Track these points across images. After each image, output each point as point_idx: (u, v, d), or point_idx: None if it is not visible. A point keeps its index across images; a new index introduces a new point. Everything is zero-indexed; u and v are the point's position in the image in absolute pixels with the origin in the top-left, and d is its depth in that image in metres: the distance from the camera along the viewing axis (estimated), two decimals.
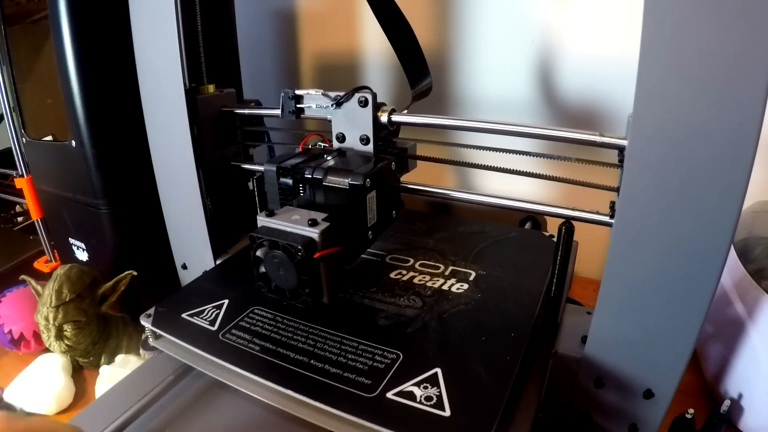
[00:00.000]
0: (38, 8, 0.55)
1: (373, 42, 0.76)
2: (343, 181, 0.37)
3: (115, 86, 0.51)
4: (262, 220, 0.37)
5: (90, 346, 0.52)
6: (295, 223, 0.35)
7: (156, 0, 0.43)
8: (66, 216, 0.59)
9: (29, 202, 0.63)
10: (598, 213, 0.35)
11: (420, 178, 0.44)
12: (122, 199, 0.54)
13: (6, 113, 0.60)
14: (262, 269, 0.37)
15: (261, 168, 0.45)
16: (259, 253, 0.36)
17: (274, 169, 0.40)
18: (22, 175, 0.62)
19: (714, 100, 0.27)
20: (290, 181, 0.39)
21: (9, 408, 0.47)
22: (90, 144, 0.51)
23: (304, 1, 0.80)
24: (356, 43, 0.77)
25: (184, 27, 0.44)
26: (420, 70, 0.50)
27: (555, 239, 0.37)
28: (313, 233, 0.35)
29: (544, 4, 0.63)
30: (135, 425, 0.33)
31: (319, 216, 0.36)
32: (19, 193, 0.64)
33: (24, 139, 0.60)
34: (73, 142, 0.51)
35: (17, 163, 0.62)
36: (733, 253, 0.49)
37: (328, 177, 0.37)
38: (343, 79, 0.81)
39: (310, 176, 0.38)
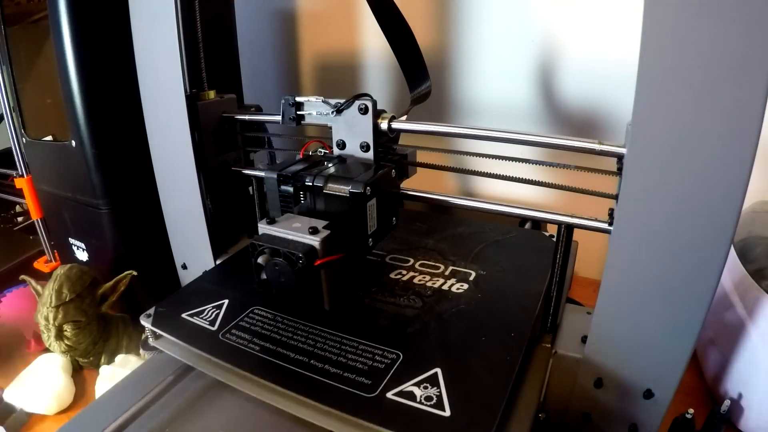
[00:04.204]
0: (38, 8, 0.55)
1: (373, 42, 0.76)
2: (343, 189, 0.37)
3: (115, 86, 0.51)
4: (264, 228, 0.37)
5: (90, 346, 0.52)
6: (296, 231, 0.36)
7: (156, 5, 0.43)
8: (66, 216, 0.59)
9: (29, 202, 0.63)
10: (596, 220, 0.35)
11: (420, 181, 0.44)
12: (122, 199, 0.54)
13: (6, 113, 0.60)
14: (264, 276, 0.37)
15: (262, 174, 0.45)
16: (260, 260, 0.37)
17: (275, 176, 0.40)
18: (22, 175, 0.62)
19: (713, 106, 0.27)
20: (291, 189, 0.39)
21: (9, 408, 0.47)
22: (90, 144, 0.51)
23: (304, 2, 0.80)
24: (356, 43, 0.77)
25: (184, 31, 0.44)
26: (419, 73, 0.49)
27: (555, 239, 0.37)
28: (314, 241, 0.35)
29: (544, 4, 0.63)
30: (135, 425, 0.33)
31: (320, 224, 0.36)
32: (19, 193, 0.64)
33: (24, 139, 0.60)
34: (73, 142, 0.51)
35: (17, 163, 0.62)
36: (733, 253, 0.49)
37: (329, 185, 0.38)
38: (343, 79, 0.81)
39: (310, 184, 0.38)
